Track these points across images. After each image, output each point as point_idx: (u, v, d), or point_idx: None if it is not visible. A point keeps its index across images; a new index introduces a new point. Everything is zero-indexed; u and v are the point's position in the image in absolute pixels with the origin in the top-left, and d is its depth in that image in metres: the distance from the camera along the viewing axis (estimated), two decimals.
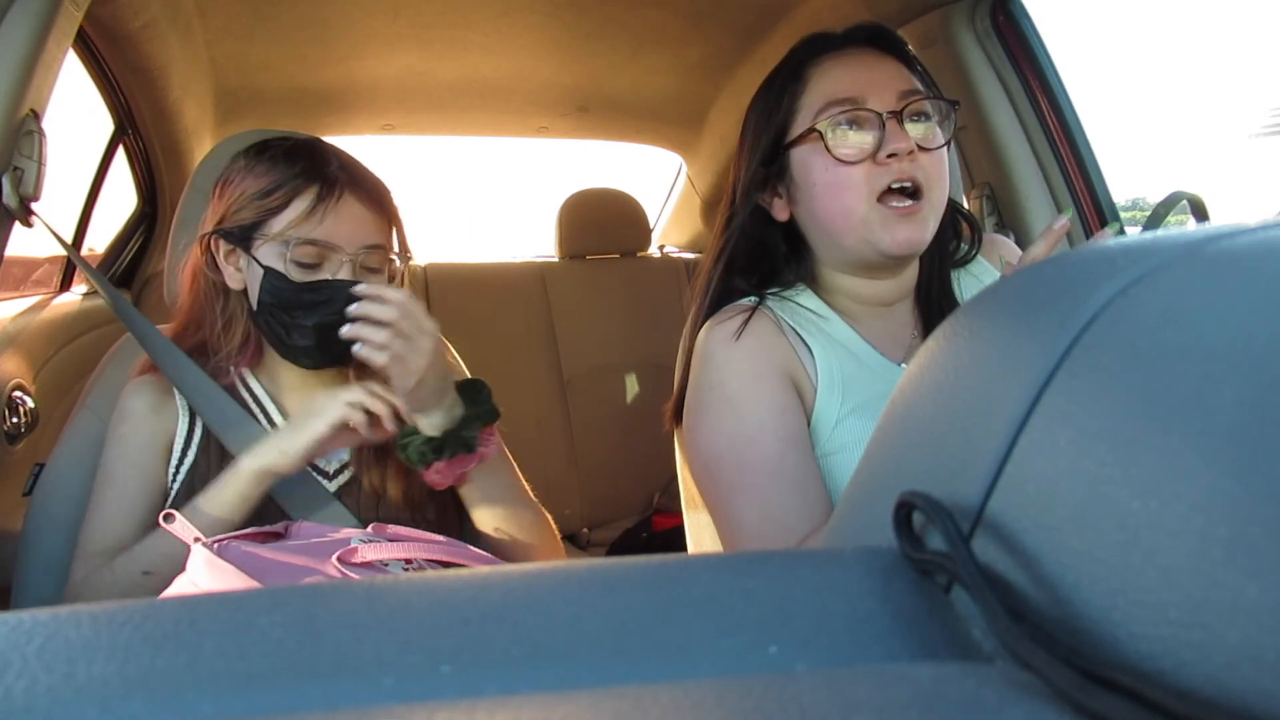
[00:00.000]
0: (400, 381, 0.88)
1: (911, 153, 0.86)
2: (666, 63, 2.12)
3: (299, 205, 0.94)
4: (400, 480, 1.00)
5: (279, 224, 0.94)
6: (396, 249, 1.01)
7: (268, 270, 0.94)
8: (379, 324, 0.86)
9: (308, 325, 0.94)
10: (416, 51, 1.98)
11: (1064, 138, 1.53)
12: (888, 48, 0.93)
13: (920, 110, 0.88)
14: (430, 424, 0.92)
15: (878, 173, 0.86)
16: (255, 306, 0.97)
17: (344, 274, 0.94)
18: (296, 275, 0.94)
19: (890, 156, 0.85)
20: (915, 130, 0.87)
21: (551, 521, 1.05)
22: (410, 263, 1.04)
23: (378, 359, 0.87)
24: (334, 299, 0.92)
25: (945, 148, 0.90)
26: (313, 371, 1.01)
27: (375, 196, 0.98)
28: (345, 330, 0.87)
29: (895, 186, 0.86)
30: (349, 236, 0.95)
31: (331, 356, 0.97)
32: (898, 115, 0.86)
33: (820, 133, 0.88)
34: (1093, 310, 0.26)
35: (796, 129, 0.91)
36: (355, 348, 0.88)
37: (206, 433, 0.98)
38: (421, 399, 0.90)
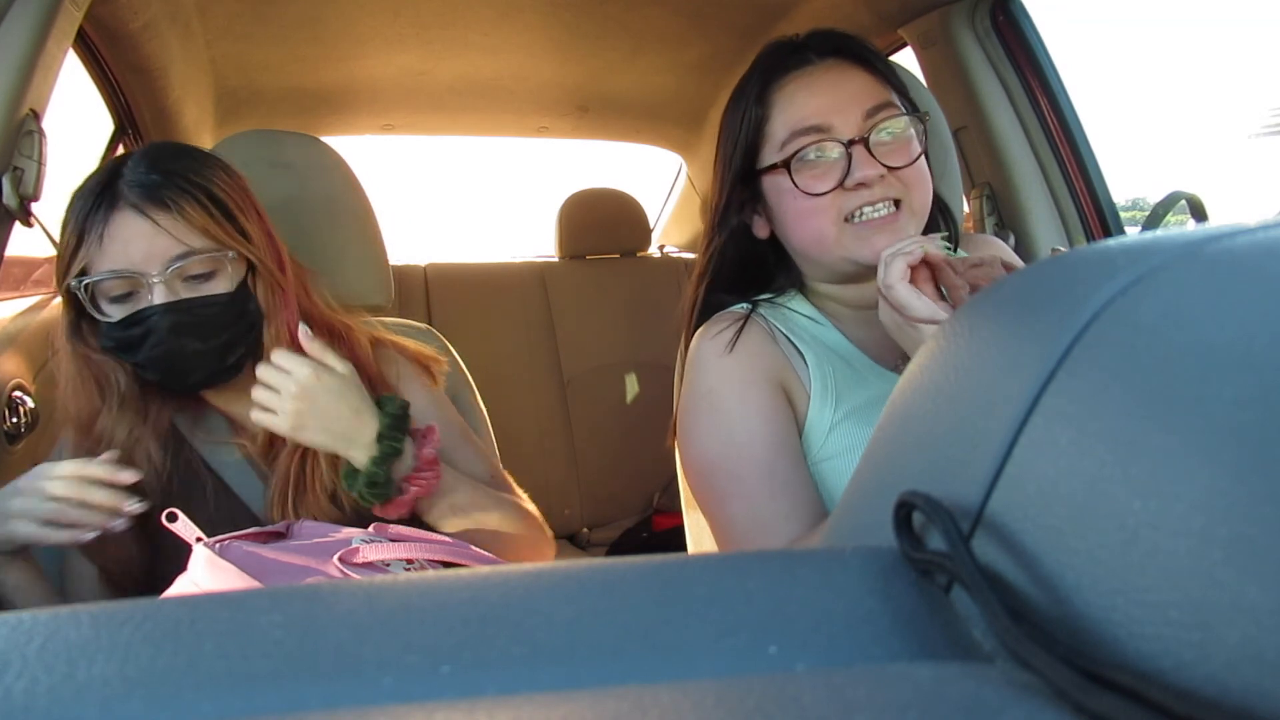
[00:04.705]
0: (303, 435, 0.84)
1: (882, 177, 0.85)
2: (666, 63, 2.12)
3: (84, 241, 0.84)
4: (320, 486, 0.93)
5: (76, 267, 0.84)
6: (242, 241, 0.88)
7: (98, 319, 0.87)
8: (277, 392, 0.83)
9: (144, 363, 0.87)
10: (416, 51, 1.98)
11: (1064, 138, 1.53)
12: (853, 56, 0.90)
13: (889, 126, 0.86)
14: (357, 457, 0.85)
15: (848, 197, 0.85)
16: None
17: (157, 297, 0.84)
18: (117, 313, 0.86)
19: (859, 185, 0.85)
20: (885, 147, 0.86)
21: (533, 511, 1.00)
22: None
23: (280, 427, 0.83)
24: (154, 328, 0.84)
25: (922, 155, 0.88)
26: (220, 393, 0.96)
27: (167, 201, 0.84)
28: (253, 415, 0.84)
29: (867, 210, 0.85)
30: (145, 256, 0.83)
31: (193, 383, 0.90)
32: (864, 141, 0.85)
33: (787, 168, 0.87)
34: (1093, 310, 0.26)
35: (765, 158, 0.90)
36: (254, 414, 0.84)
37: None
38: (324, 442, 0.85)
